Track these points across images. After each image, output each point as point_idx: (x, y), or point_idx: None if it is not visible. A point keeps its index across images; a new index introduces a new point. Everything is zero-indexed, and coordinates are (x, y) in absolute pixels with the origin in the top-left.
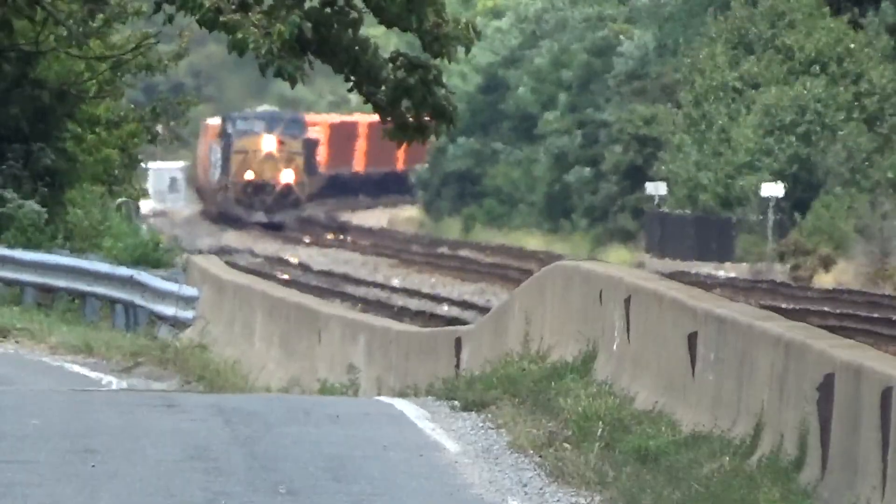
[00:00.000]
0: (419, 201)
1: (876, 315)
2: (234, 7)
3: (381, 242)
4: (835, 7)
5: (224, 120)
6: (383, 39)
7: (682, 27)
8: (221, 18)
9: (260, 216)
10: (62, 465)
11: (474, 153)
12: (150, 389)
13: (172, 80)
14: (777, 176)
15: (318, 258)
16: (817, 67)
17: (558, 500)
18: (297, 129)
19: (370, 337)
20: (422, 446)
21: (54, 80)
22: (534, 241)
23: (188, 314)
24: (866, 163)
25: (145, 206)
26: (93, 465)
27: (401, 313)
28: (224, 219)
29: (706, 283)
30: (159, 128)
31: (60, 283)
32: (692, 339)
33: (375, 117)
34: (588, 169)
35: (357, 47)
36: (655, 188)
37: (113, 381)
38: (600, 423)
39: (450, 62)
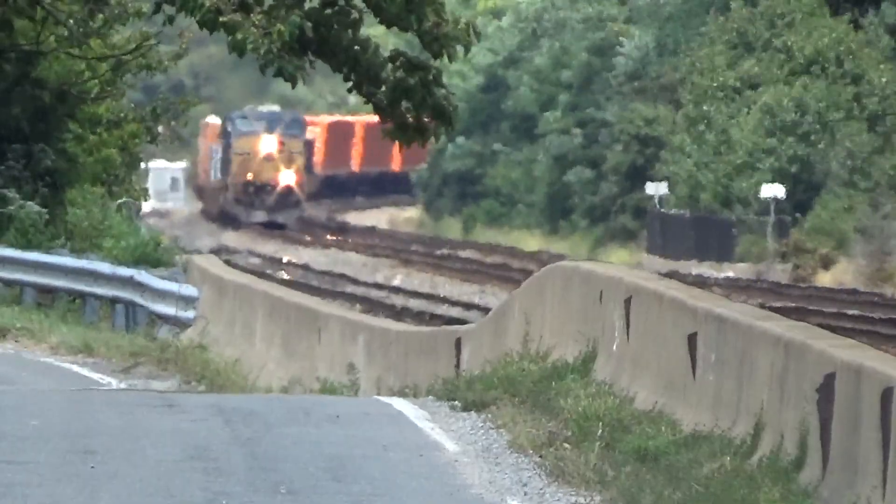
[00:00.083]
0: (418, 201)
1: (876, 315)
2: (234, 7)
3: (381, 243)
4: (835, 7)
5: (224, 120)
6: (383, 39)
7: (682, 27)
8: (221, 19)
9: (260, 216)
10: (62, 465)
11: (474, 153)
12: (150, 389)
13: (173, 80)
14: (777, 176)
15: (318, 258)
16: (817, 67)
17: (558, 500)
18: (297, 129)
19: (370, 337)
20: (422, 446)
21: (55, 81)
22: (534, 242)
23: (188, 314)
24: (866, 163)
25: (146, 206)
26: (92, 466)
27: (401, 313)
28: (224, 219)
29: (706, 284)
30: (160, 128)
31: (60, 283)
32: (692, 339)
33: (371, 117)
34: (588, 169)
35: (357, 47)
36: (656, 188)
37: (113, 382)
38: (600, 423)
39: (450, 62)
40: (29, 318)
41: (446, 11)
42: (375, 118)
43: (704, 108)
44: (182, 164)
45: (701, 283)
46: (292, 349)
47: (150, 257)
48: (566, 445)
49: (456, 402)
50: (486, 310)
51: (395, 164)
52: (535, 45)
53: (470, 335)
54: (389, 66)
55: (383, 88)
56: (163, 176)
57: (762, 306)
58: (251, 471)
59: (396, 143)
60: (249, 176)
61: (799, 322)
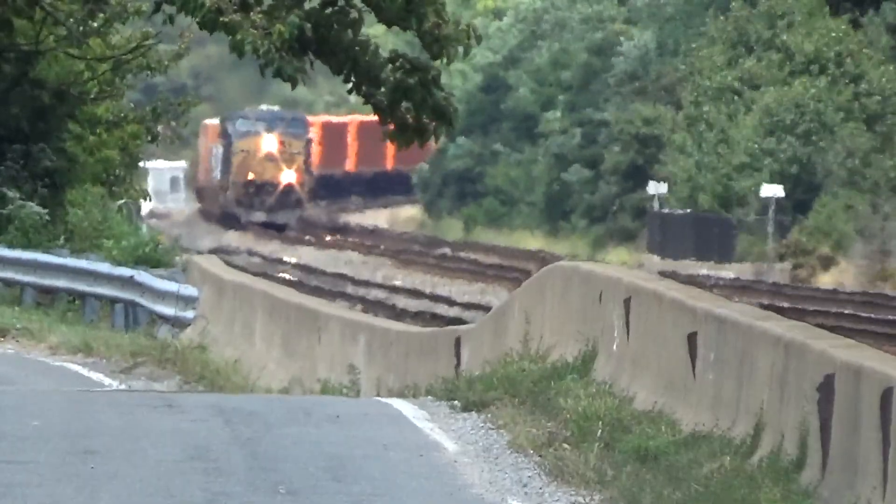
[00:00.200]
0: (414, 201)
1: (876, 315)
2: (234, 7)
3: (381, 243)
4: (835, 7)
5: (225, 120)
6: (383, 40)
7: (682, 27)
8: (222, 19)
9: (261, 217)
10: (62, 465)
11: (474, 153)
12: (150, 390)
13: (173, 80)
14: (777, 176)
15: (319, 258)
16: (817, 67)
17: (558, 500)
18: (299, 128)
19: (370, 337)
20: (422, 446)
21: (54, 81)
22: (534, 242)
23: (188, 314)
24: (866, 163)
25: (146, 206)
26: (93, 466)
27: (401, 314)
28: (225, 219)
29: (706, 284)
30: (159, 128)
31: (60, 283)
32: (692, 339)
33: (366, 117)
34: (588, 169)
35: (357, 48)
36: (656, 188)
37: (113, 382)
38: (600, 423)
39: (448, 64)
40: (29, 319)
41: (446, 12)
42: (369, 117)
43: (704, 108)
44: (182, 165)
45: (700, 283)
46: (292, 349)
47: (150, 257)
48: (566, 445)
49: (456, 402)
50: (485, 309)
51: (389, 164)
52: (535, 45)
53: (470, 335)
54: (389, 66)
55: (383, 89)
56: (163, 176)
57: (762, 307)
58: (251, 471)
59: (390, 142)
60: (250, 176)
61: (799, 322)
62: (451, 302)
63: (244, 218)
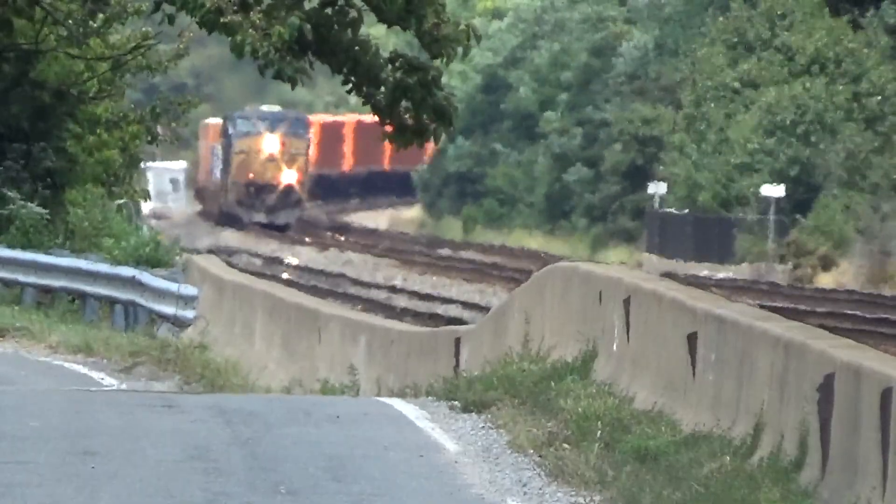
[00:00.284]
0: (412, 202)
1: (876, 315)
2: (234, 8)
3: (381, 243)
4: (834, 7)
5: (225, 120)
6: (383, 40)
7: (682, 27)
8: (222, 20)
9: (261, 217)
10: (62, 465)
11: (474, 153)
12: (149, 390)
13: (173, 80)
14: (777, 176)
15: (318, 258)
16: (817, 67)
17: (558, 500)
18: (300, 128)
19: (370, 337)
20: (422, 446)
21: (54, 80)
22: (534, 242)
23: (188, 314)
24: (866, 163)
25: (146, 206)
26: (93, 466)
27: (401, 313)
28: (225, 220)
29: (705, 284)
30: (159, 128)
31: (60, 283)
32: (692, 339)
33: (362, 117)
34: (588, 169)
35: (357, 48)
36: (656, 188)
37: (113, 382)
38: (600, 423)
39: (448, 64)
40: (29, 318)
41: (446, 12)
42: (365, 118)
43: (704, 108)
44: (182, 165)
45: (700, 283)
46: (292, 349)
47: (150, 257)
48: (566, 445)
49: (456, 403)
50: (485, 309)
51: (385, 164)
52: (535, 45)
53: (470, 335)
54: (389, 67)
55: (383, 90)
56: (163, 176)
57: (761, 307)
58: (251, 471)
59: (387, 142)
60: (250, 176)
61: (799, 322)
62: (451, 301)
63: (245, 218)
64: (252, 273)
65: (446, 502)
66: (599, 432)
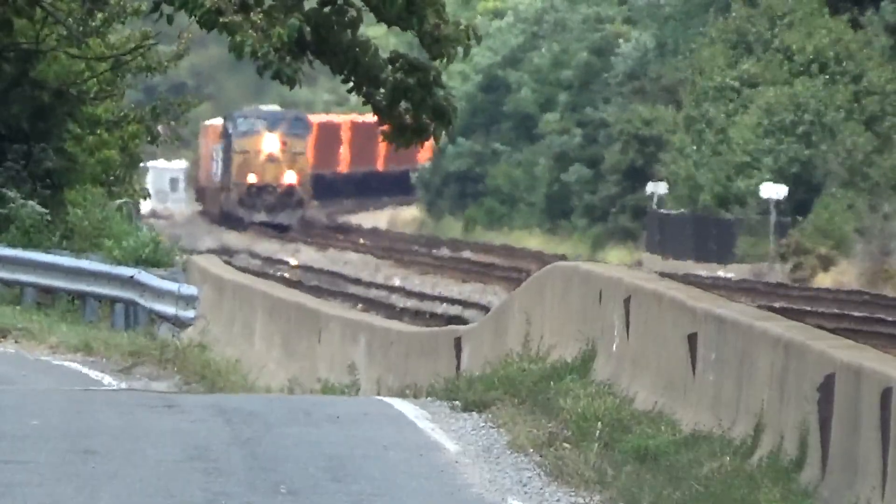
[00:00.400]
0: (409, 202)
1: (876, 315)
2: (235, 8)
3: (381, 243)
4: (834, 7)
5: (226, 120)
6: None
7: (682, 27)
8: (222, 20)
9: (262, 217)
10: (62, 465)
11: (474, 153)
12: (149, 389)
13: (173, 80)
14: (777, 176)
15: (318, 258)
16: (817, 67)
17: (558, 500)
18: (300, 128)
19: (370, 337)
20: (422, 446)
21: (54, 80)
22: (534, 241)
23: (188, 314)
24: (865, 163)
25: (146, 206)
26: (93, 466)
27: (401, 313)
28: (226, 220)
29: (706, 284)
30: (160, 128)
31: (60, 283)
32: (692, 339)
33: (357, 117)
34: (588, 169)
35: (357, 48)
36: (655, 188)
37: (113, 381)
38: (599, 423)
39: (448, 64)
40: (29, 318)
41: (447, 13)
42: (362, 117)
43: (704, 108)
44: (182, 165)
45: (699, 283)
46: (292, 349)
47: (150, 257)
48: (566, 445)
49: (456, 402)
50: (486, 309)
51: (380, 164)
52: (535, 45)
53: (470, 335)
54: (389, 67)
55: (383, 90)
56: (163, 176)
57: (759, 307)
58: (251, 471)
59: (382, 142)
60: (251, 176)
61: (798, 322)
62: (451, 301)
63: (246, 219)
64: (253, 273)
65: (446, 502)
66: (599, 432)
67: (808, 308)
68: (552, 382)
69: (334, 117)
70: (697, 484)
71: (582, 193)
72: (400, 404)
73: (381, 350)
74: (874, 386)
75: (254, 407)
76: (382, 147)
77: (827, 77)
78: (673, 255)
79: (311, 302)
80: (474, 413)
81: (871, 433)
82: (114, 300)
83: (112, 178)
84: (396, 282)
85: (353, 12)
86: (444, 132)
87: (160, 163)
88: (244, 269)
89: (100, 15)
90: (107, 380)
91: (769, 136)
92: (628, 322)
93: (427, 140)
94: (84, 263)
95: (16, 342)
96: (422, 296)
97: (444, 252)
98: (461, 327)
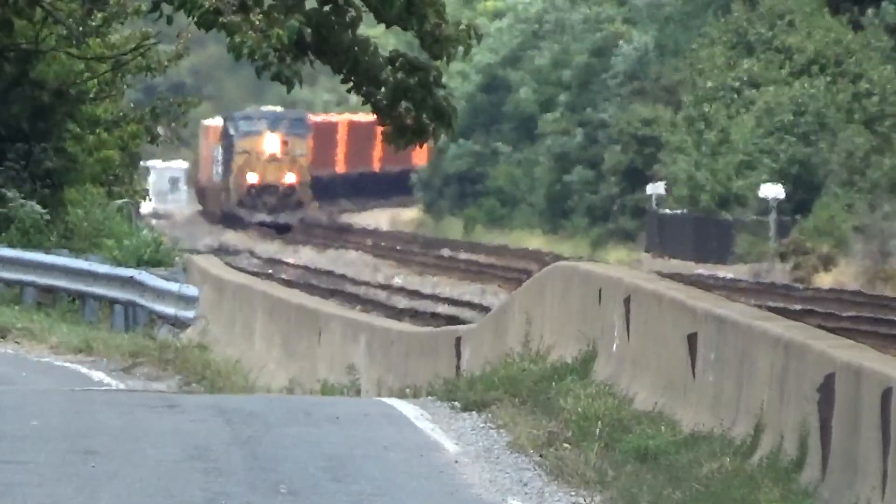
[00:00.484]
0: (407, 202)
1: (876, 315)
2: (234, 8)
3: (381, 243)
4: (834, 7)
5: (226, 120)
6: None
7: (682, 28)
8: (221, 20)
9: (263, 217)
10: (62, 465)
11: (475, 153)
12: (149, 390)
13: (172, 80)
14: (777, 176)
15: (318, 258)
16: (817, 67)
17: (558, 500)
18: (301, 128)
19: (371, 337)
20: (422, 446)
21: (54, 80)
22: (534, 242)
23: (188, 314)
24: (865, 163)
25: (146, 206)
26: (93, 466)
27: (401, 313)
28: (227, 220)
29: (706, 284)
30: (159, 128)
31: (60, 283)
32: (692, 339)
33: (354, 117)
34: (588, 169)
35: (357, 48)
36: (655, 188)
37: (113, 382)
38: (600, 423)
39: (448, 64)
40: (29, 318)
41: (447, 13)
42: (358, 117)
43: (704, 108)
44: (182, 165)
45: (700, 283)
46: (292, 349)
47: (150, 257)
48: (566, 445)
49: (456, 403)
50: (486, 309)
51: (376, 165)
52: (536, 45)
53: (470, 335)
54: (389, 67)
55: (383, 90)
56: (163, 176)
57: (759, 306)
58: (251, 471)
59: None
60: (252, 177)
61: (798, 322)
62: (451, 302)
63: (247, 219)
64: (253, 273)
65: (446, 502)
66: (599, 432)
67: (808, 308)
68: (552, 382)
69: (332, 117)
70: (697, 484)
71: (582, 194)
72: (400, 404)
73: (382, 350)
74: (874, 386)
75: (254, 407)
76: (380, 148)
77: (827, 77)
78: (673, 256)
79: (311, 302)
80: (474, 413)
81: (872, 433)
82: (114, 300)
83: (112, 177)
84: (396, 282)
85: (353, 12)
86: (443, 133)
87: (160, 163)
88: (244, 270)
89: (100, 15)
90: (107, 380)
91: (769, 136)
92: (628, 322)
93: (427, 140)
94: (84, 263)
95: (16, 342)
96: (422, 296)
97: (445, 252)
98: (461, 327)
